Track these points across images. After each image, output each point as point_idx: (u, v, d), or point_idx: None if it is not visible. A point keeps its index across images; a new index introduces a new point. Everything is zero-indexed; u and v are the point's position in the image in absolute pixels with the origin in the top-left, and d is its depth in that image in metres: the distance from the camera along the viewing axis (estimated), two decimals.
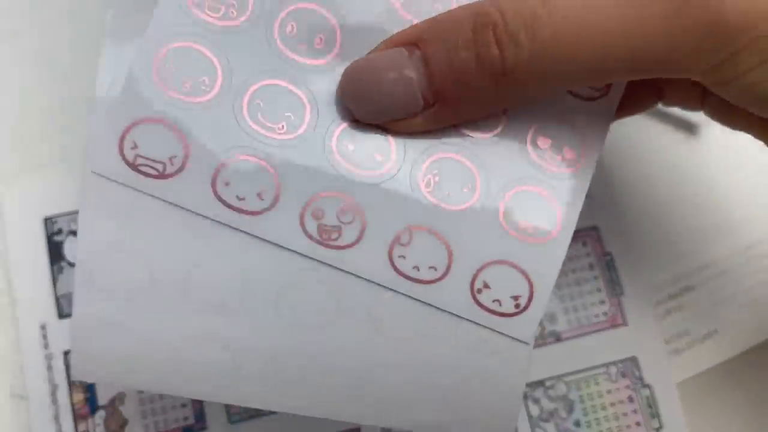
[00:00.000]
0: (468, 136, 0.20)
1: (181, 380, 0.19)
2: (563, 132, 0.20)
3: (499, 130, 0.20)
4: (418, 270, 0.19)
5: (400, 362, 0.20)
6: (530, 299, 0.19)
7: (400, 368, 0.20)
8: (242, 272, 0.19)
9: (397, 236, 0.19)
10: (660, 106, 0.27)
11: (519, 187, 0.20)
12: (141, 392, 0.28)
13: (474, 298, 0.19)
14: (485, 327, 0.20)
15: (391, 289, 0.19)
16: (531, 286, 0.20)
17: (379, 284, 0.19)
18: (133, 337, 0.19)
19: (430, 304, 0.19)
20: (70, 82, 0.30)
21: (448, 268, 0.19)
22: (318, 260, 0.19)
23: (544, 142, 0.20)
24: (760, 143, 0.23)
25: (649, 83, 0.24)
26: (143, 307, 0.19)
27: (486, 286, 0.19)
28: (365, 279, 0.19)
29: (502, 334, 0.20)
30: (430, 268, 0.19)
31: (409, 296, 0.19)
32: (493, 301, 0.19)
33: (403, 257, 0.19)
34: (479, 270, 0.19)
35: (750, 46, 0.17)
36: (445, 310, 0.19)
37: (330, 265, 0.19)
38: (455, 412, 0.20)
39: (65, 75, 0.30)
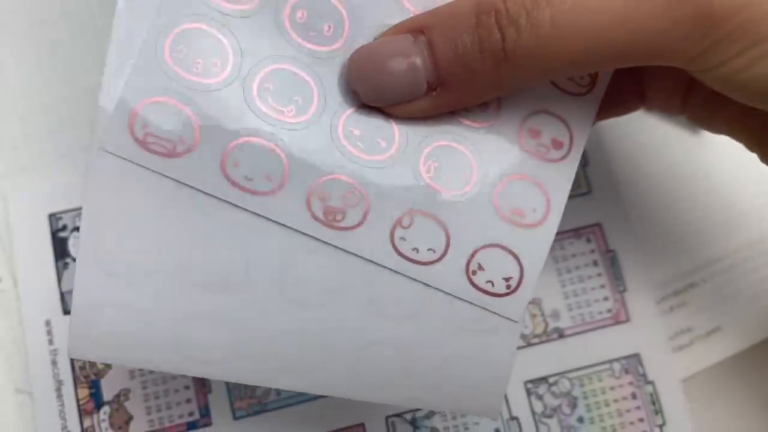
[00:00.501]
0: (466, 125, 0.21)
1: (182, 357, 0.20)
2: (553, 125, 0.21)
3: (494, 120, 0.21)
4: (418, 251, 0.20)
5: (396, 339, 0.20)
6: (520, 280, 0.21)
7: (396, 345, 0.20)
8: (247, 251, 0.20)
9: (399, 219, 0.20)
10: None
11: (512, 175, 0.21)
12: (145, 386, 0.28)
13: (469, 278, 0.20)
14: (478, 306, 0.20)
15: (391, 270, 0.20)
16: (521, 268, 0.21)
17: (380, 264, 0.20)
18: (135, 315, 0.19)
19: (427, 284, 0.20)
20: (75, 78, 0.30)
21: (446, 250, 0.20)
22: (322, 240, 0.20)
23: (535, 134, 0.21)
24: None
25: (632, 87, 0.25)
26: (146, 285, 0.19)
27: (480, 267, 0.20)
28: (367, 259, 0.20)
29: (493, 312, 0.20)
30: (429, 250, 0.20)
31: (408, 276, 0.20)
32: (487, 281, 0.20)
33: (404, 239, 0.20)
34: (474, 252, 0.20)
35: (734, 32, 0.18)
36: (441, 290, 0.20)
37: (333, 246, 0.20)
38: (446, 387, 0.21)
39: (69, 71, 0.30)
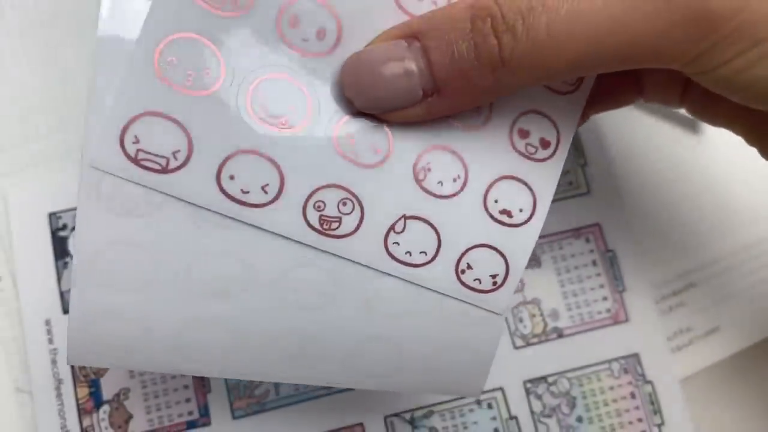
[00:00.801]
0: (459, 128, 0.21)
1: (181, 359, 0.20)
2: (541, 124, 0.21)
3: (486, 122, 0.21)
4: (410, 255, 0.21)
5: (388, 335, 0.21)
6: (506, 277, 0.21)
7: (389, 340, 0.21)
8: (246, 261, 0.20)
9: (393, 225, 0.20)
10: (656, 104, 0.27)
11: (502, 177, 0.21)
12: (144, 385, 0.28)
13: (458, 277, 0.21)
14: (465, 302, 0.21)
15: (385, 273, 0.20)
16: (507, 265, 0.21)
17: (374, 269, 0.20)
18: (132, 322, 0.19)
19: (419, 285, 0.21)
20: (75, 78, 0.30)
21: (437, 252, 0.21)
22: (319, 249, 0.20)
23: (524, 134, 0.21)
24: None
25: (629, 80, 0.25)
26: (143, 296, 0.19)
27: (469, 267, 0.21)
28: (362, 264, 0.20)
29: (480, 307, 0.21)
30: (421, 252, 0.21)
31: (401, 278, 0.20)
32: (474, 279, 0.21)
33: (397, 244, 0.20)
34: (464, 253, 0.21)
35: (732, 35, 0.17)
36: (432, 289, 0.21)
37: (330, 253, 0.20)
38: (435, 374, 0.22)
39: (69, 70, 0.30)
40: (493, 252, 0.21)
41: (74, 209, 0.29)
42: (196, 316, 0.20)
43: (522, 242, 0.21)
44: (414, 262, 0.21)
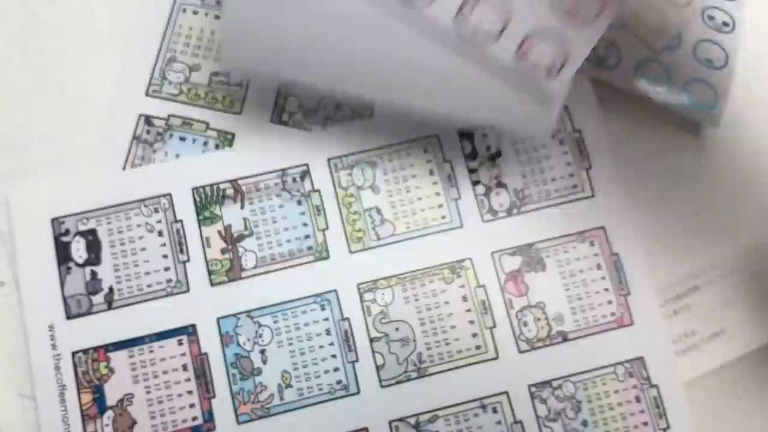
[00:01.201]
0: None
1: (298, 69, 0.27)
2: None
3: None
4: (478, 30, 0.26)
5: (465, 75, 0.27)
6: (562, 67, 0.26)
7: (466, 77, 0.27)
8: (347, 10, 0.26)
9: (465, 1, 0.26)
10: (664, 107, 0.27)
11: None
12: (148, 391, 0.28)
13: (519, 57, 0.26)
14: (523, 80, 0.26)
15: (454, 50, 0.26)
16: (566, 57, 0.26)
17: (448, 35, 0.26)
18: (267, 33, 0.27)
19: (484, 68, 0.26)
20: (77, 82, 0.30)
21: (502, 31, 0.26)
22: (403, 14, 0.26)
23: None
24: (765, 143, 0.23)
25: None
26: (275, 13, 0.26)
27: (530, 51, 0.26)
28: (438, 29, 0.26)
29: (539, 86, 0.26)
30: (488, 29, 0.26)
31: (467, 53, 0.26)
32: (533, 65, 0.26)
33: (467, 18, 0.26)
34: (526, 38, 0.26)
35: None
36: (493, 70, 0.26)
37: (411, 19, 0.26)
38: (506, 110, 0.27)
39: (72, 75, 0.30)
40: (554, 40, 0.25)
41: (77, 214, 0.29)
42: (311, 39, 0.26)
43: (582, 38, 0.25)
44: (481, 38, 0.26)
